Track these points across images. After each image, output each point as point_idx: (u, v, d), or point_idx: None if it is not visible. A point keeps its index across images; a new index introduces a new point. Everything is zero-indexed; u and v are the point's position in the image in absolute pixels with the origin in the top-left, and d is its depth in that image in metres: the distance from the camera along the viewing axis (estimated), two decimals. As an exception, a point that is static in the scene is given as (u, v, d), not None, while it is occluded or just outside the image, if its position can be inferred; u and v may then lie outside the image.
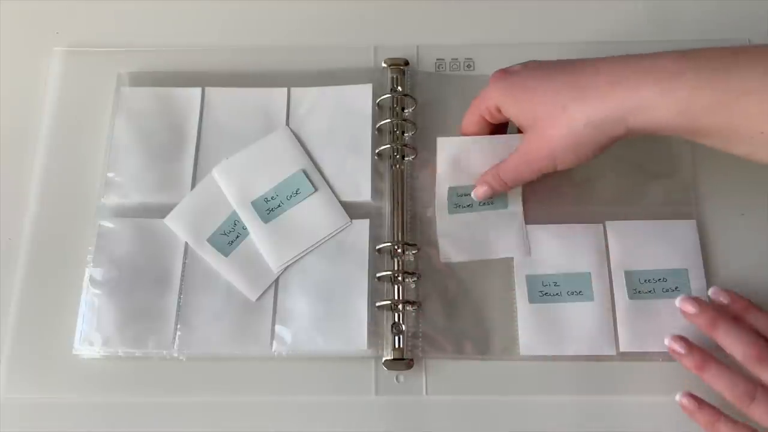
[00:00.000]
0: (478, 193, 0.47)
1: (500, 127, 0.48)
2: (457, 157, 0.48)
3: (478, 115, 0.46)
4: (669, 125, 0.37)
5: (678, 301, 0.43)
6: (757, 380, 0.39)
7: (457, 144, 0.48)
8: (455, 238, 0.49)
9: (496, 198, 0.48)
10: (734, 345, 0.40)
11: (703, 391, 0.42)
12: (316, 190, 0.50)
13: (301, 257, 0.49)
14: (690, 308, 0.42)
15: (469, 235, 0.49)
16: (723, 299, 0.44)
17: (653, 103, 0.37)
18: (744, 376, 0.40)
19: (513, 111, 0.43)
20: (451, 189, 0.49)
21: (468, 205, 0.49)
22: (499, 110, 0.44)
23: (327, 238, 0.49)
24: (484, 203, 0.49)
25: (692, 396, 0.42)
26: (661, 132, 0.38)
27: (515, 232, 0.49)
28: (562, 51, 0.54)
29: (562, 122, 0.40)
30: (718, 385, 0.41)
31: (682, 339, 0.43)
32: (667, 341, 0.43)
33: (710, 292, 0.44)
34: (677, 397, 0.43)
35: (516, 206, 0.49)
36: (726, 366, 0.41)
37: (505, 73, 0.44)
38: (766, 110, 0.35)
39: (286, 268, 0.48)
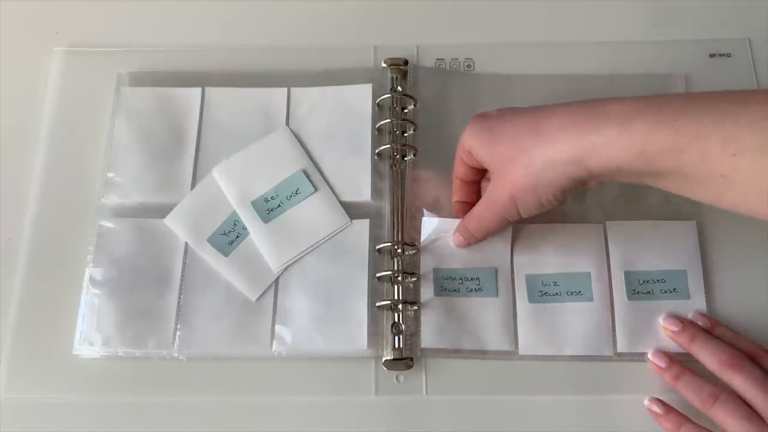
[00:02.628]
0: (453, 241, 0.48)
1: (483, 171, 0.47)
2: (441, 238, 0.49)
3: (459, 159, 0.46)
4: (627, 167, 0.37)
5: (662, 319, 0.46)
6: (725, 386, 0.42)
7: (437, 223, 0.49)
8: (439, 323, 0.47)
9: (485, 284, 0.48)
10: (708, 355, 0.43)
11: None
12: (316, 190, 0.50)
13: (301, 257, 0.49)
14: (673, 326, 0.46)
15: (454, 321, 0.47)
16: (699, 321, 0.46)
17: (610, 144, 0.37)
18: (710, 381, 0.43)
19: (482, 154, 0.43)
20: (436, 271, 0.48)
21: (454, 290, 0.48)
22: (470, 157, 0.44)
23: (327, 238, 0.49)
24: (472, 289, 0.48)
25: (659, 401, 0.44)
26: (622, 175, 0.38)
27: (502, 321, 0.47)
28: (562, 51, 0.55)
29: (522, 164, 0.40)
30: (687, 390, 0.43)
31: (664, 353, 0.45)
32: (650, 355, 0.46)
33: (690, 315, 0.47)
34: (645, 402, 0.45)
35: (506, 296, 0.48)
36: (695, 373, 0.44)
37: (481, 117, 0.43)
38: (723, 153, 0.34)
39: (286, 268, 0.48)
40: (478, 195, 0.48)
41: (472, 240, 0.47)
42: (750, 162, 0.34)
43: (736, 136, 0.34)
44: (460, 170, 0.47)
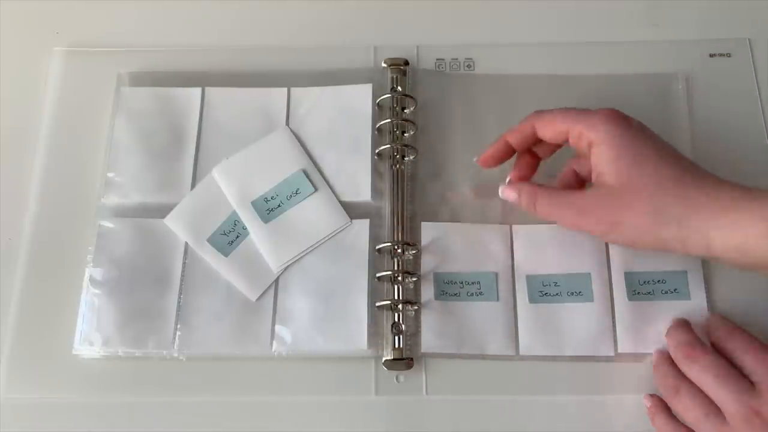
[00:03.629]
0: (505, 193, 0.46)
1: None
2: (443, 242, 0.49)
3: (533, 131, 0.44)
4: (755, 251, 0.37)
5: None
6: (684, 377, 0.42)
7: (440, 228, 0.49)
8: (440, 327, 0.47)
9: (486, 289, 0.48)
10: (672, 343, 0.44)
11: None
12: (316, 189, 0.50)
13: (301, 257, 0.49)
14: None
15: (454, 326, 0.47)
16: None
17: (746, 227, 0.36)
18: (675, 371, 0.43)
19: (607, 157, 0.41)
20: (436, 275, 0.48)
21: (455, 294, 0.48)
22: (586, 144, 0.42)
23: (327, 238, 0.49)
24: (473, 294, 0.48)
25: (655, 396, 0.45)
26: (747, 259, 0.38)
27: (503, 326, 0.47)
28: (561, 51, 0.55)
29: (648, 207, 0.39)
30: (657, 379, 0.44)
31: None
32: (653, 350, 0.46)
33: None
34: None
35: (507, 300, 0.48)
36: (670, 362, 0.44)
37: (622, 119, 0.42)
38: None
39: (286, 268, 0.48)
40: (534, 169, 0.47)
41: (529, 210, 0.45)
42: None
43: None
44: (515, 137, 0.45)
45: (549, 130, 0.44)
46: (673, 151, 0.41)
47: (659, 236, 0.39)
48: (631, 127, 0.42)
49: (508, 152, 0.47)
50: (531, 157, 0.48)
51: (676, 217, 0.38)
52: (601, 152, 0.41)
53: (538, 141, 0.46)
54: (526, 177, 0.47)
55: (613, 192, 0.41)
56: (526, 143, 0.46)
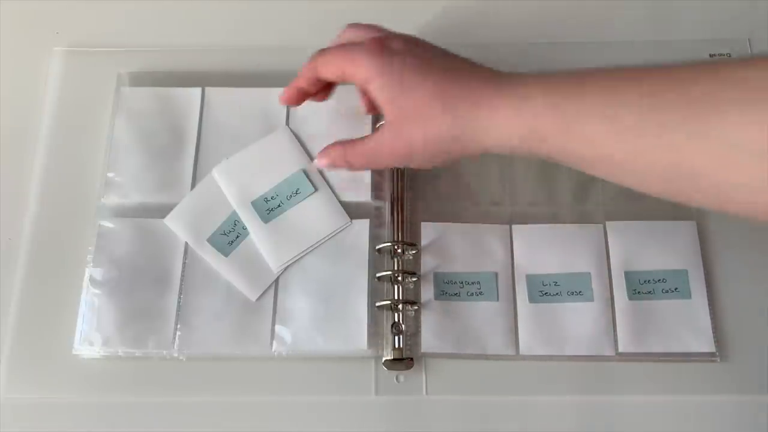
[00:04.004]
0: (322, 164, 0.45)
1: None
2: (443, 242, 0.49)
3: (316, 75, 0.44)
4: (520, 149, 0.38)
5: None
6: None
7: (440, 228, 0.49)
8: (440, 327, 0.47)
9: (486, 288, 0.48)
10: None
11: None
12: (316, 189, 0.50)
13: (301, 257, 0.49)
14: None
15: (454, 326, 0.47)
16: None
17: (509, 126, 0.38)
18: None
19: (383, 98, 0.41)
20: (436, 275, 0.48)
21: (455, 294, 0.48)
22: (360, 82, 0.42)
23: (327, 238, 0.49)
24: (473, 293, 0.48)
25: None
26: (517, 153, 0.39)
27: (503, 326, 0.47)
28: (561, 51, 0.55)
29: (426, 130, 0.40)
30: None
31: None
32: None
33: None
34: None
35: (507, 300, 0.48)
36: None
37: (384, 48, 0.41)
38: (605, 134, 0.35)
39: (286, 268, 0.48)
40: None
41: (350, 169, 0.45)
42: (629, 140, 0.34)
43: (620, 117, 0.34)
44: (307, 82, 0.45)
45: (329, 71, 0.43)
46: (440, 60, 0.41)
47: (442, 154, 0.40)
48: (393, 54, 0.40)
49: (304, 95, 0.46)
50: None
51: (448, 136, 0.39)
52: (373, 89, 0.41)
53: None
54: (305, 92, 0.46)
55: (393, 126, 0.41)
56: (318, 85, 0.45)
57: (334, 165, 0.45)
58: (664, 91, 0.34)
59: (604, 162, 0.36)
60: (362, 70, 0.41)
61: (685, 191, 0.35)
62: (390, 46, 0.41)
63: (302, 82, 0.45)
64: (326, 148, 0.45)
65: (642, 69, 0.36)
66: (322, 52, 0.43)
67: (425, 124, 0.40)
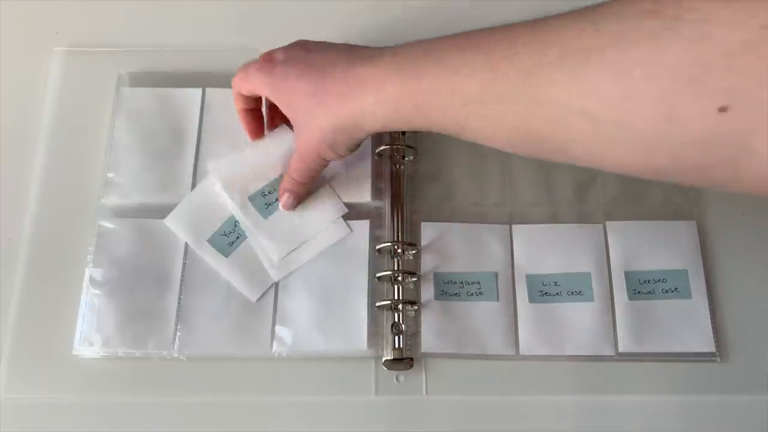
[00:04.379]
0: (284, 203, 0.49)
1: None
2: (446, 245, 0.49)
3: (241, 95, 0.48)
4: (392, 125, 0.41)
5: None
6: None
7: (440, 228, 0.49)
8: (440, 327, 0.47)
9: (486, 288, 0.48)
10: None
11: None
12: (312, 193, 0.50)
13: (302, 258, 0.49)
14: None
15: (454, 325, 0.47)
16: None
17: (372, 111, 0.40)
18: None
19: (278, 105, 0.45)
20: (436, 275, 0.48)
21: (455, 294, 0.48)
22: (263, 96, 0.47)
23: (327, 234, 0.49)
24: (473, 293, 0.48)
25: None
26: (396, 128, 0.42)
27: (503, 326, 0.47)
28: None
29: (314, 126, 0.42)
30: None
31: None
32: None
33: None
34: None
35: (507, 300, 0.48)
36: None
37: (270, 62, 0.44)
38: (455, 106, 0.37)
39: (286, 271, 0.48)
40: (262, 121, 0.51)
41: (302, 189, 0.48)
42: (476, 111, 0.36)
43: (461, 88, 0.36)
44: (242, 101, 0.49)
45: (241, 88, 0.47)
46: (318, 59, 0.43)
47: (340, 142, 0.43)
48: (276, 65, 0.44)
49: (252, 119, 0.50)
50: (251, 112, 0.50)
51: (334, 130, 0.42)
52: (271, 99, 0.45)
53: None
54: (259, 130, 0.51)
55: (296, 128, 0.45)
56: (249, 101, 0.49)
57: (294, 199, 0.49)
58: (499, 59, 0.35)
59: (465, 130, 0.38)
60: (257, 84, 0.45)
61: (540, 152, 0.37)
62: (274, 58, 0.44)
63: (237, 103, 0.49)
64: (280, 186, 0.49)
65: (483, 33, 0.37)
66: (239, 70, 0.47)
67: (310, 122, 0.43)
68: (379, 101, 0.39)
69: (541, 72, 0.33)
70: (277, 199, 0.49)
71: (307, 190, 0.49)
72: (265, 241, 0.49)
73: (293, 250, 0.49)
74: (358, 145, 0.44)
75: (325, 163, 0.46)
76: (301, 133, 0.44)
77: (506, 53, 0.35)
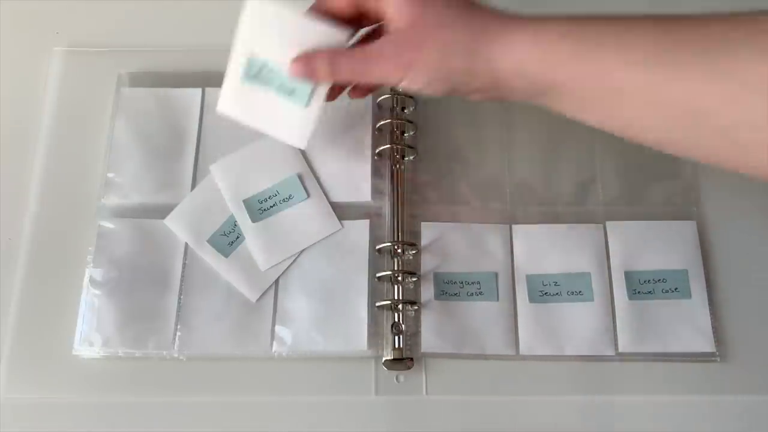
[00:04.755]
0: (294, 71, 0.41)
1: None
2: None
3: None
4: (528, 78, 0.38)
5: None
6: None
7: (440, 228, 0.49)
8: (440, 327, 0.47)
9: (486, 288, 0.48)
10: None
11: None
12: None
13: (299, 257, 0.49)
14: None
15: (454, 325, 0.47)
16: None
17: (519, 52, 0.37)
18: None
19: (400, 8, 0.39)
20: (436, 275, 0.48)
21: (455, 294, 0.48)
22: None
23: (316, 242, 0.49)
24: (473, 293, 0.48)
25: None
26: (526, 79, 0.38)
27: (503, 326, 0.47)
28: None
29: (444, 38, 0.38)
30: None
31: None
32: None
33: None
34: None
35: (507, 300, 0.48)
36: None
37: None
38: (617, 62, 0.35)
39: (285, 270, 0.48)
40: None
41: (327, 78, 0.42)
42: (640, 72, 0.35)
43: (627, 47, 0.35)
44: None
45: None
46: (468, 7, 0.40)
47: (449, 73, 0.39)
48: None
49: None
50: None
51: (463, 49, 0.38)
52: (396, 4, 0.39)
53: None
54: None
55: (404, 34, 0.39)
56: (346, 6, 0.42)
57: (313, 75, 0.41)
58: (677, 30, 0.35)
59: (611, 97, 0.36)
60: None
61: (684, 132, 0.36)
62: None
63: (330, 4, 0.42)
64: (307, 55, 0.41)
65: (654, 17, 0.36)
66: None
67: (443, 32, 0.38)
68: (533, 42, 0.37)
69: (727, 46, 0.33)
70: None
71: (329, 86, 0.43)
72: (252, 246, 0.49)
73: (280, 262, 0.48)
74: (446, 91, 0.40)
75: (376, 82, 0.42)
76: (409, 39, 0.39)
77: (686, 28, 0.34)
